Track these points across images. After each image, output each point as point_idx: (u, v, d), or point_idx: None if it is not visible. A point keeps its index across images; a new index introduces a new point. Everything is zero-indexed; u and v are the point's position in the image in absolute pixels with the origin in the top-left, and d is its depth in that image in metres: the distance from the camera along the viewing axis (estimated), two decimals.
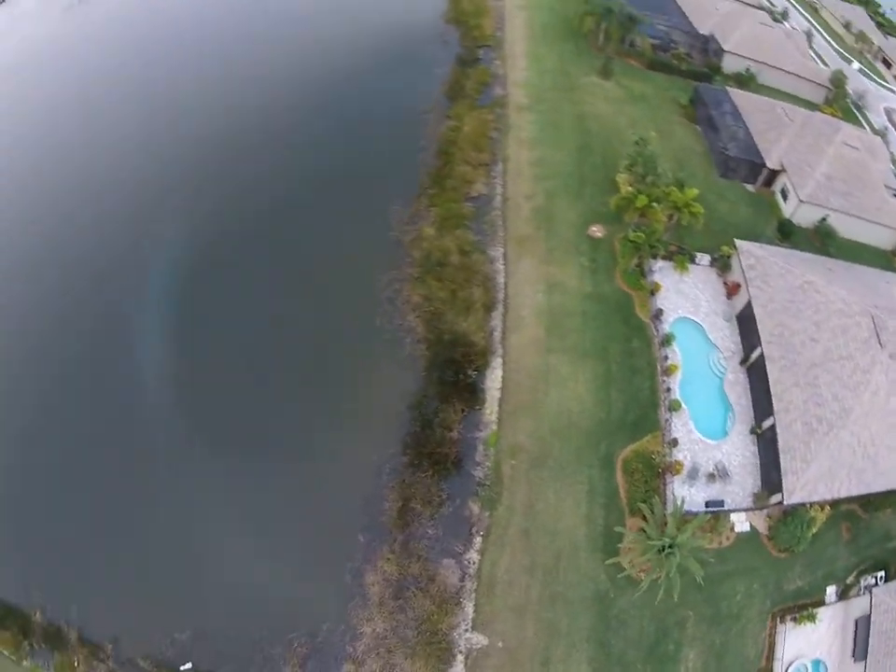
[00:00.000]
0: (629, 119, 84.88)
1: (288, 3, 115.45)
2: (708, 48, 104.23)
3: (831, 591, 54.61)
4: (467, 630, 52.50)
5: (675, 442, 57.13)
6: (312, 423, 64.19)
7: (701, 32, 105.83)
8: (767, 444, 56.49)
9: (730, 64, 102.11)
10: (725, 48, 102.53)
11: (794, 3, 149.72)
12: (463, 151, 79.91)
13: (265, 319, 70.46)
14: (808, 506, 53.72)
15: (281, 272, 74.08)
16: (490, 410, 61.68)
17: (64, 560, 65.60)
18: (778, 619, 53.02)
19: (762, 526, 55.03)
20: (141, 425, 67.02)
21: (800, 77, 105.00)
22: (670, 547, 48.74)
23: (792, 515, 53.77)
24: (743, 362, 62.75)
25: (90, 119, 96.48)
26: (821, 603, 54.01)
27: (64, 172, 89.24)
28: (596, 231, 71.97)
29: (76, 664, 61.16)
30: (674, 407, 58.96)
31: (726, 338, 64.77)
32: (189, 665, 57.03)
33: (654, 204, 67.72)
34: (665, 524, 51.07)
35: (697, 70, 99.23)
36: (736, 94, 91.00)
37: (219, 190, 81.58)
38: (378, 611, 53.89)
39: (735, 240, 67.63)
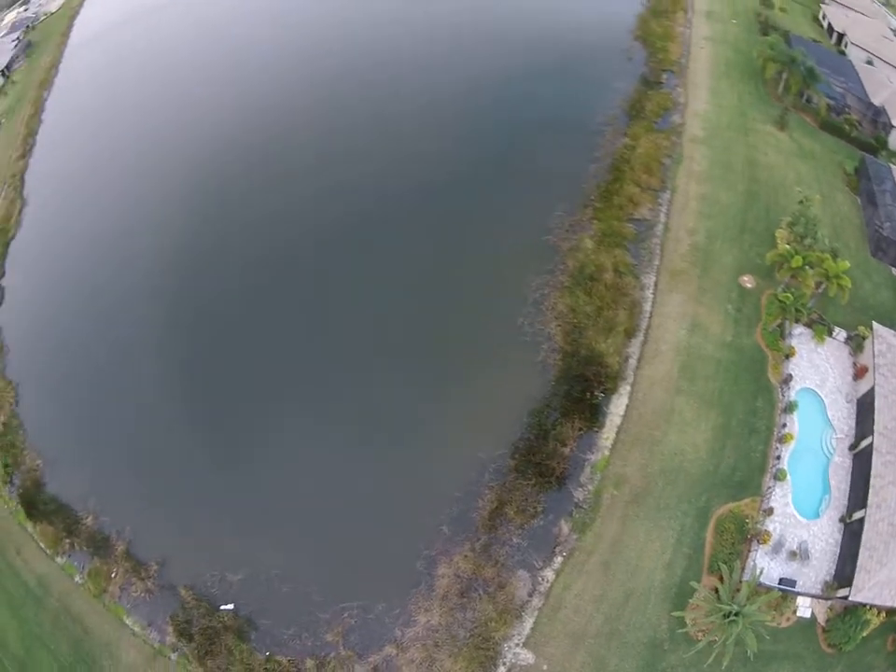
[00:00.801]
0: (796, 175, 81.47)
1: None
2: (878, 119, 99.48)
3: None
4: (518, 644, 51.50)
5: (770, 511, 55.04)
6: (433, 403, 63.42)
7: (874, 102, 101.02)
8: (852, 536, 54.00)
9: None
10: (894, 122, 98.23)
11: None
12: (634, 172, 77.99)
13: (417, 298, 71.04)
14: (868, 607, 51.12)
15: (439, 257, 74.17)
16: (607, 435, 60.14)
17: (134, 477, 66.77)
18: None
19: (821, 616, 52.51)
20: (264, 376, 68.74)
21: None
22: (736, 614, 47.46)
23: (851, 613, 51.37)
24: (852, 447, 59.60)
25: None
26: None
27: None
28: (747, 281, 69.29)
29: (113, 574, 61.49)
30: (780, 476, 56.71)
31: (843, 419, 61.58)
32: (230, 606, 57.00)
33: (807, 268, 64.93)
34: (738, 590, 49.51)
35: (864, 140, 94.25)
36: None
37: (403, 181, 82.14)
38: (439, 604, 53.22)
39: (874, 323, 64.48)
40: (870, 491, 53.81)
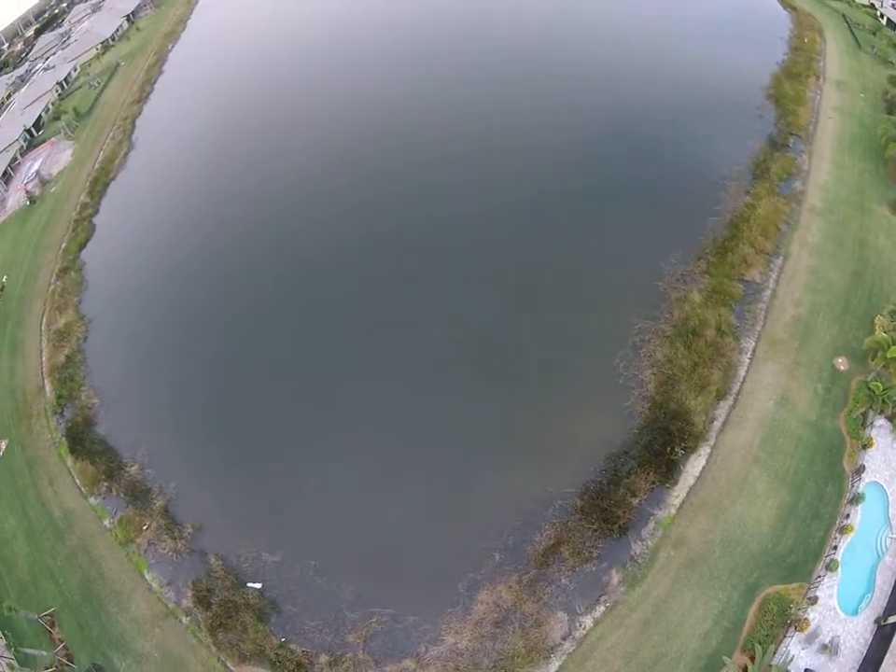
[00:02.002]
0: None
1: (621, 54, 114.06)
2: None
3: None
4: None
5: (814, 600, 52.87)
6: (512, 428, 62.92)
7: None
8: (882, 639, 51.75)
9: None
10: None
11: None
12: (751, 232, 75.72)
13: (517, 323, 71.35)
14: None
15: (548, 283, 74.48)
16: (678, 494, 58.47)
17: (190, 438, 67.57)
18: None
19: None
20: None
21: None
22: None
23: None
24: None
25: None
26: None
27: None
28: (841, 363, 66.66)
29: (144, 527, 61.21)
30: (832, 567, 54.24)
31: None
32: (258, 585, 56.32)
33: None
34: None
35: None
36: None
37: (530, 207, 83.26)
38: (471, 629, 52.50)
39: None
40: None
